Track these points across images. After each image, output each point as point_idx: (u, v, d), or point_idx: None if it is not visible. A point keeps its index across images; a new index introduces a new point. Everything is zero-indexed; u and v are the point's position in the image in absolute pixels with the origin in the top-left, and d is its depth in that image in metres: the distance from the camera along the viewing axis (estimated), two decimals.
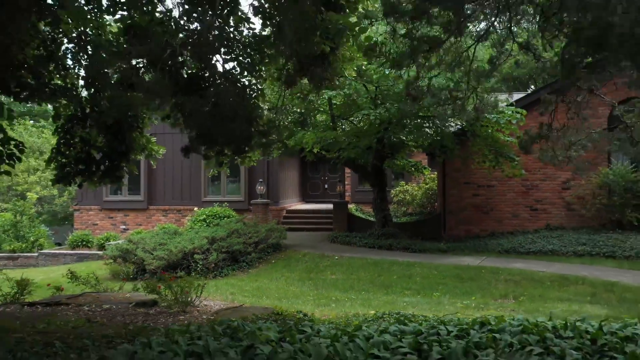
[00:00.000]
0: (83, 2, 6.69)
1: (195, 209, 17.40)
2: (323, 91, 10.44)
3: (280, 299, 8.56)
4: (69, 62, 7.32)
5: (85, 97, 7.26)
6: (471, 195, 14.82)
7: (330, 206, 17.48)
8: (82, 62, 7.21)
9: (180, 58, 5.09)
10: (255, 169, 17.14)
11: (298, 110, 13.55)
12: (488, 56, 5.13)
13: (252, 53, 6.58)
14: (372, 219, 16.41)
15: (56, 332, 4.84)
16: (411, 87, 4.76)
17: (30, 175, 23.03)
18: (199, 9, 6.15)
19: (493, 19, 3.64)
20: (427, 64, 4.50)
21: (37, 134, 24.75)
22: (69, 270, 8.67)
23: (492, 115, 11.48)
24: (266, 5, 6.15)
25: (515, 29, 3.96)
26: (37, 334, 4.76)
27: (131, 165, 7.70)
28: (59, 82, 7.00)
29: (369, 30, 6.13)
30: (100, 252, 15.76)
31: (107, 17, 7.24)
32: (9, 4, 5.30)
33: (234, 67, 6.79)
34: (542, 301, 7.71)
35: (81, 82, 7.23)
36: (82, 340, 4.07)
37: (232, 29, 6.40)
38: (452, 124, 12.96)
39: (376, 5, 6.47)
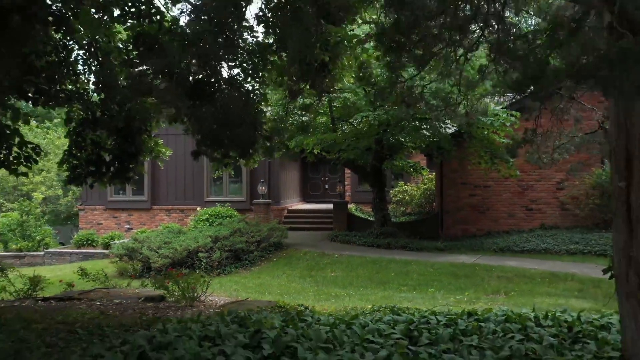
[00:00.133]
0: (93, 10, 7.03)
1: (198, 208, 17.75)
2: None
3: (282, 295, 8.91)
4: (80, 67, 7.69)
5: (95, 101, 7.59)
6: (468, 196, 15.17)
7: (330, 206, 17.83)
8: (93, 67, 7.60)
9: (192, 69, 5.44)
10: (257, 170, 17.47)
11: (299, 112, 13.88)
12: (478, 65, 5.44)
13: (256, 60, 6.93)
14: (371, 218, 16.76)
15: (75, 322, 5.20)
16: (405, 94, 5.11)
17: (35, 175, 23.39)
18: (205, 17, 6.50)
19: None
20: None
21: (42, 135, 25.10)
22: (79, 267, 9.04)
23: (487, 118, 11.82)
24: (269, 15, 6.51)
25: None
26: (58, 324, 5.12)
27: (139, 167, 8.06)
28: (71, 87, 7.35)
29: (364, 44, 6.48)
30: (105, 251, 16.12)
31: (117, 25, 7.58)
32: (28, 17, 5.65)
33: (238, 73, 7.15)
34: (531, 296, 8.08)
35: (91, 87, 7.61)
36: (102, 329, 4.44)
37: (237, 37, 6.75)
38: (449, 126, 13.30)
39: (374, 17, 6.81)
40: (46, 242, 18.25)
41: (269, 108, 12.02)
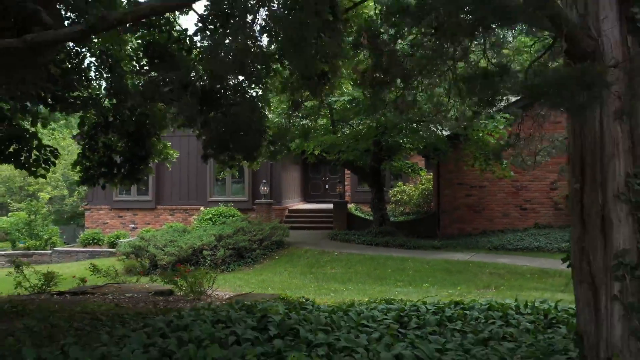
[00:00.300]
0: None
1: (202, 208, 18.20)
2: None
3: (284, 290, 9.34)
4: (92, 74, 8.13)
5: (108, 106, 8.02)
6: (464, 196, 15.61)
7: (330, 206, 18.28)
8: (104, 74, 8.03)
9: (203, 80, 5.87)
10: (259, 170, 17.88)
11: (300, 115, 14.30)
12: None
13: (260, 67, 7.36)
14: (370, 218, 17.20)
15: (94, 312, 5.64)
16: (398, 100, 5.55)
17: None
18: (212, 27, 6.94)
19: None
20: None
21: (47, 137, 25.55)
22: (91, 263, 9.50)
23: (481, 121, 12.25)
24: (272, 25, 6.94)
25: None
26: (78, 313, 5.57)
27: (149, 168, 8.49)
28: (84, 93, 7.79)
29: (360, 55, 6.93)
30: (111, 250, 16.57)
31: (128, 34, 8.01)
32: (49, 27, 6.08)
33: (243, 80, 7.58)
34: (520, 290, 8.52)
35: (103, 92, 8.04)
36: (122, 316, 4.88)
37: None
38: (446, 128, 13.72)
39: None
40: (53, 240, 18.72)
41: (271, 115, 12.51)
